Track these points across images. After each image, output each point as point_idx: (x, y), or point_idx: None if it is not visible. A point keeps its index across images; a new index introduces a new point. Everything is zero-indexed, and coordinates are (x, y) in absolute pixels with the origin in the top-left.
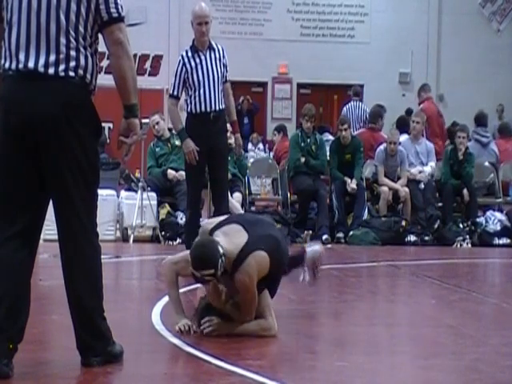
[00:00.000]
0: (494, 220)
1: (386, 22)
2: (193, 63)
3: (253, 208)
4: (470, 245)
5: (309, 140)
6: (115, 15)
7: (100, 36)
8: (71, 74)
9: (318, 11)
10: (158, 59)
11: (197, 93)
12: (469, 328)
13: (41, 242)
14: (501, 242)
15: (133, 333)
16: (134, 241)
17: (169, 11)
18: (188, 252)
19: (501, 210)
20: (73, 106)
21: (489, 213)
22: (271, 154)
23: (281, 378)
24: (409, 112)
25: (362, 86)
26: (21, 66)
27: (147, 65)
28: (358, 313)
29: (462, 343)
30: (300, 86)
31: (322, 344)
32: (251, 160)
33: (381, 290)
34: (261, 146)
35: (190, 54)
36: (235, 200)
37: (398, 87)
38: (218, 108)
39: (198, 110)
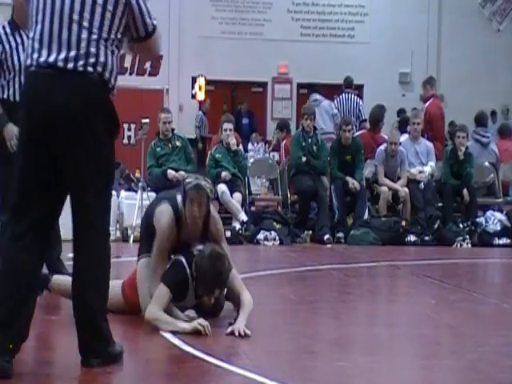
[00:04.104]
0: (493, 220)
1: (386, 22)
2: (13, 43)
3: (253, 208)
4: (469, 245)
5: (310, 140)
6: (145, 33)
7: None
8: (90, 69)
9: (318, 11)
10: (158, 59)
11: (16, 78)
12: (469, 328)
13: None
14: (501, 242)
15: (133, 332)
16: (134, 241)
17: (169, 11)
18: (159, 290)
19: (501, 210)
20: (90, 101)
21: (489, 213)
22: (272, 154)
23: (281, 378)
24: (401, 112)
25: (362, 86)
26: (42, 60)
27: (147, 65)
28: (358, 313)
29: (461, 343)
30: (300, 85)
31: (322, 344)
32: (251, 160)
33: (381, 290)
34: (261, 145)
35: (8, 30)
36: (235, 200)
37: (398, 87)
38: None
39: (18, 98)
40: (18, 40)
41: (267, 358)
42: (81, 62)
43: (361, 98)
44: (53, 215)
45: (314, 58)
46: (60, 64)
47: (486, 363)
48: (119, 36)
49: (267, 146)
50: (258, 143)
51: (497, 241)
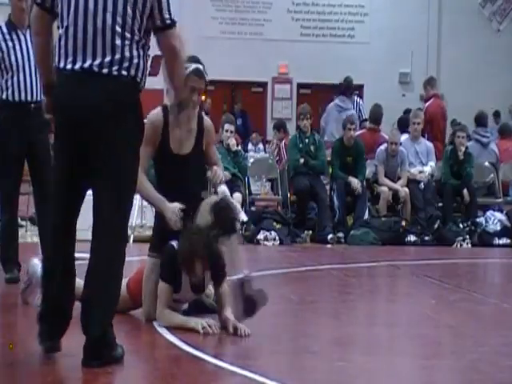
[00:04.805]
0: (493, 220)
1: (386, 22)
2: (10, 43)
3: (253, 208)
4: (469, 245)
5: (307, 140)
6: (168, 22)
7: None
8: (124, 72)
9: (318, 11)
10: (158, 59)
11: (15, 78)
12: (469, 328)
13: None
14: (501, 242)
15: (133, 333)
16: (134, 241)
17: None
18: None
19: (501, 210)
20: (123, 105)
21: (489, 213)
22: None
23: (281, 378)
24: (408, 112)
25: (362, 86)
26: (77, 66)
27: (147, 65)
28: (358, 313)
29: (461, 343)
30: (300, 86)
31: (322, 344)
32: (251, 160)
33: (381, 290)
34: (261, 146)
35: (5, 30)
36: (235, 200)
37: (398, 87)
38: (40, 98)
39: (17, 98)
40: (15, 39)
41: (267, 358)
42: (115, 67)
43: (361, 97)
44: (77, 214)
45: (314, 58)
46: (95, 69)
47: (486, 363)
48: (148, 31)
49: (267, 145)
50: (257, 144)
51: (497, 241)
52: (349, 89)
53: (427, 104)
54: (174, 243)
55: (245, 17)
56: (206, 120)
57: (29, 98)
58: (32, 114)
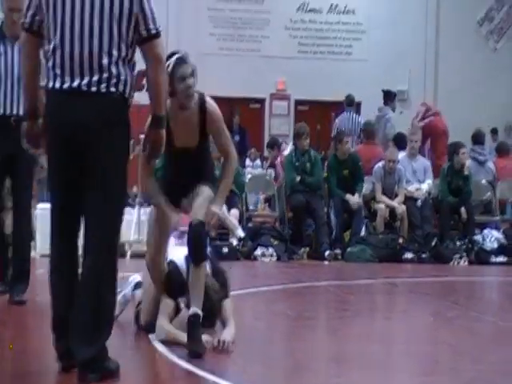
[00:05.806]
0: (491, 238)
1: (384, 39)
2: None
3: (250, 224)
4: (466, 262)
5: (303, 158)
6: (153, 32)
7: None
8: (112, 89)
9: (316, 28)
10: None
11: None
12: (466, 345)
13: (37, 257)
14: (498, 260)
15: (129, 347)
16: (132, 256)
17: (167, 28)
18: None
19: (498, 228)
20: (112, 121)
21: (486, 231)
22: (269, 170)
23: None
24: None
25: (359, 104)
26: (65, 86)
27: (144, 80)
28: (355, 329)
29: (459, 360)
30: (298, 102)
31: (319, 360)
32: (249, 176)
33: (378, 306)
34: (258, 162)
35: None
36: (232, 216)
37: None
38: (21, 111)
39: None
40: (1, 51)
41: (264, 374)
42: (103, 85)
43: (358, 114)
44: (78, 232)
45: (312, 75)
46: (84, 88)
47: (483, 381)
48: (134, 46)
49: (264, 162)
50: (255, 160)
51: (494, 259)
52: (389, 96)
53: (430, 119)
54: (178, 265)
55: (242, 33)
56: (209, 106)
57: (8, 112)
58: (12, 127)
